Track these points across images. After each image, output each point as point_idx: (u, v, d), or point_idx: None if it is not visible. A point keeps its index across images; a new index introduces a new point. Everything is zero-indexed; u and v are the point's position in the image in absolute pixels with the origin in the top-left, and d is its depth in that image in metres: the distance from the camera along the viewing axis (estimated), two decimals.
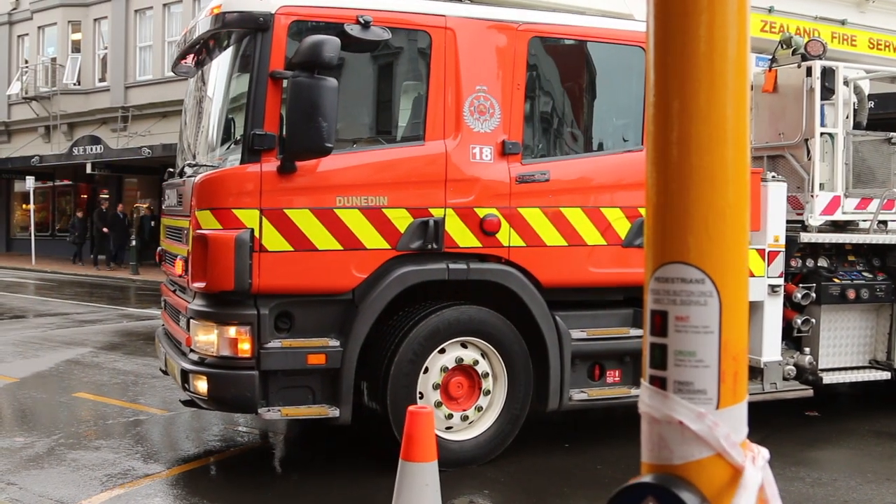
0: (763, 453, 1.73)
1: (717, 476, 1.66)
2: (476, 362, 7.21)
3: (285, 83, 6.64)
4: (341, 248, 6.81)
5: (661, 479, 1.63)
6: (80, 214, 35.78)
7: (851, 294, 8.75)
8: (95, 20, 37.60)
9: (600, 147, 7.95)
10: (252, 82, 6.80)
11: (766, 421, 8.81)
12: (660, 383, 1.69)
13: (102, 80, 37.31)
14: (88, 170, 33.28)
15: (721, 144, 1.70)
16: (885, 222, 9.24)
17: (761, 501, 1.69)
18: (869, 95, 10.56)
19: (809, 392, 8.69)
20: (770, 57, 9.59)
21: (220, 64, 7.51)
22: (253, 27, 6.84)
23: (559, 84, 7.92)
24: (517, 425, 7.39)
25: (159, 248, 8.66)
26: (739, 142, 1.73)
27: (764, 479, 1.72)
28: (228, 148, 7.23)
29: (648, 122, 1.76)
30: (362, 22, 6.80)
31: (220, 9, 7.05)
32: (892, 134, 9.29)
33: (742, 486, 1.64)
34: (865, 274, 8.99)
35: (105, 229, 31.92)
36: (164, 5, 34.62)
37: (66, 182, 39.79)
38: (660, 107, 1.73)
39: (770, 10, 9.60)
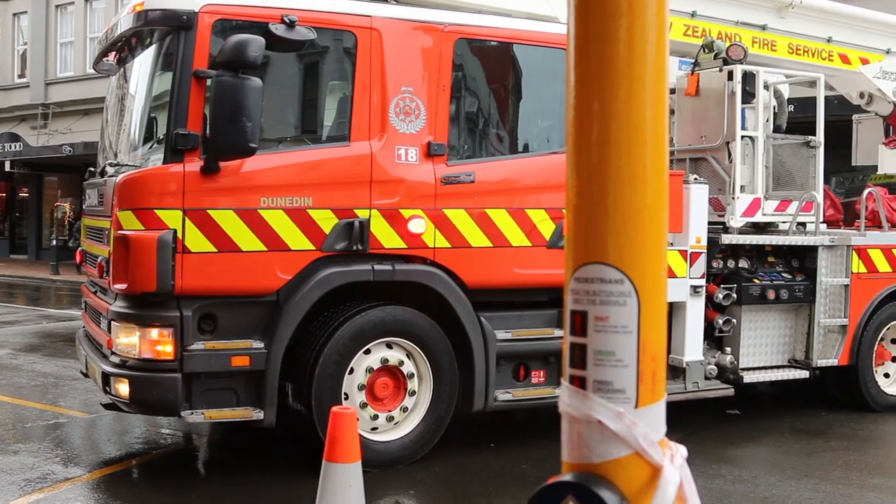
0: (681, 451, 1.75)
1: (635, 475, 1.67)
2: (401, 363, 7.21)
3: (209, 82, 6.57)
4: (265, 249, 6.75)
5: (581, 477, 1.64)
6: None
7: (771, 294, 8.91)
8: (14, 15, 36.86)
9: (525, 149, 8.00)
10: (175, 81, 6.71)
11: (689, 419, 8.94)
12: (579, 383, 1.69)
13: (22, 76, 36.59)
14: (7, 168, 32.59)
15: (640, 146, 1.71)
16: (803, 224, 9.43)
17: (679, 499, 1.71)
18: (789, 99, 10.77)
19: (731, 391, 8.84)
20: (693, 61, 9.72)
21: (143, 62, 7.40)
22: (176, 25, 6.75)
23: (485, 86, 7.95)
24: (443, 426, 7.40)
25: (79, 249, 8.51)
26: (658, 144, 1.74)
27: (682, 478, 1.73)
28: (151, 147, 7.12)
29: (568, 124, 1.77)
30: (287, 21, 6.75)
31: (143, 6, 6.95)
32: (810, 137, 9.48)
33: (660, 484, 1.65)
34: (785, 275, 9.16)
35: None
36: (86, 1, 34.04)
37: None
38: (580, 109, 1.74)
39: (693, 15, 9.69)
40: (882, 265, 9.59)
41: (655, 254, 1.72)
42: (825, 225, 9.96)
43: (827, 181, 13.82)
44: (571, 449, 1.72)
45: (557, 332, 7.63)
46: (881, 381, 9.75)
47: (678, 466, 1.71)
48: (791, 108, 10.91)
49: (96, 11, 33.83)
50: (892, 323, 9.78)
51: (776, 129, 9.76)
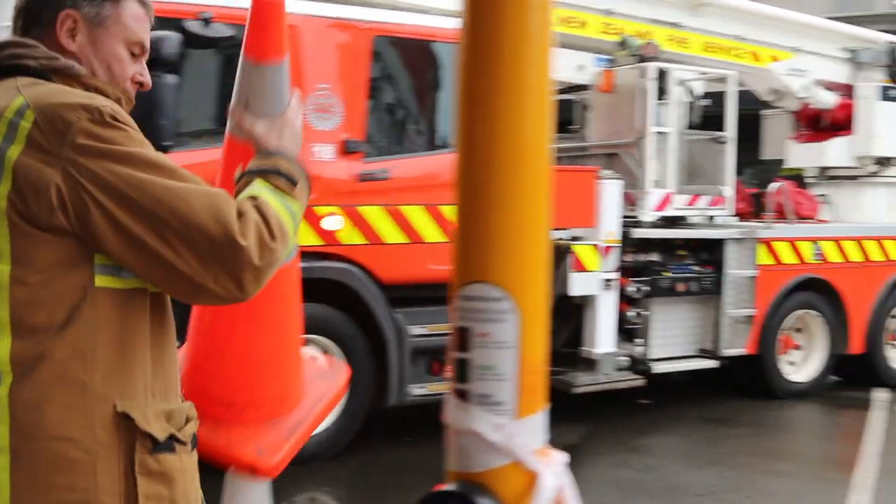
0: (560, 458, 1.86)
1: (515, 482, 1.77)
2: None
3: None
4: None
5: (462, 486, 1.74)
6: None
7: (681, 287, 9.15)
8: None
9: (442, 146, 8.08)
10: None
11: (601, 410, 9.12)
12: (463, 396, 1.79)
13: None
14: None
15: (523, 168, 1.81)
16: (713, 217, 9.68)
17: (558, 502, 1.82)
18: (707, 94, 11.00)
19: (642, 381, 9.05)
20: (609, 58, 9.89)
21: None
22: None
23: (402, 83, 8.02)
24: (358, 421, 7.48)
25: None
26: (540, 165, 1.84)
27: (562, 483, 1.84)
28: None
29: (456, 145, 1.86)
30: (203, 18, 6.74)
31: None
32: (719, 133, 9.72)
33: (537, 490, 1.75)
34: (694, 267, 9.40)
35: None
36: None
37: None
38: (465, 131, 1.83)
39: (609, 13, 9.86)
40: (788, 257, 9.89)
41: (536, 272, 1.82)
42: (736, 218, 10.24)
43: (741, 173, 14.19)
44: (455, 458, 1.82)
45: None
46: (786, 369, 10.05)
47: (557, 473, 1.82)
48: (708, 102, 11.16)
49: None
50: (797, 312, 10.08)
51: (690, 125, 9.98)
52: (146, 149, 1.99)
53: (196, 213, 1.92)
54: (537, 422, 1.81)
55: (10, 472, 1.86)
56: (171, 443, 2.02)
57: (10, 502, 1.87)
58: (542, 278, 1.83)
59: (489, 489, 1.75)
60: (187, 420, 2.12)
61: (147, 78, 2.23)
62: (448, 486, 1.75)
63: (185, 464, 2.07)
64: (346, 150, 7.29)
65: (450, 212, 7.64)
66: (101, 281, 1.94)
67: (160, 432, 2.00)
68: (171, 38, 6.40)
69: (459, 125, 1.85)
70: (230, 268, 1.94)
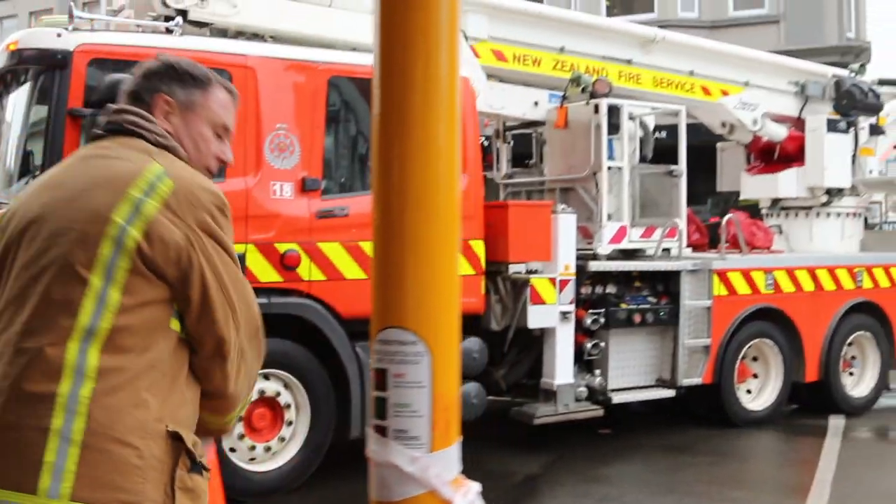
0: (474, 487, 2.01)
1: None
2: (278, 394, 7.38)
3: (84, 121, 6.68)
4: None
5: None
6: None
7: (637, 318, 9.33)
8: None
9: None
10: (50, 119, 6.81)
11: (562, 441, 9.28)
12: (382, 431, 1.94)
13: None
14: None
15: (434, 221, 1.97)
16: (668, 249, 9.88)
17: None
18: (663, 127, 11.24)
19: (601, 412, 9.20)
20: (562, 94, 10.11)
21: (17, 99, 7.45)
22: (51, 64, 6.85)
23: (358, 121, 8.19)
24: (321, 454, 7.59)
25: None
26: (451, 218, 2.00)
27: None
28: (26, 183, 7.18)
29: (374, 199, 2.02)
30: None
31: (18, 45, 7.03)
32: (672, 167, 9.94)
33: None
34: (650, 298, 9.58)
35: None
36: None
37: None
38: (379, 179, 1.99)
39: (561, 50, 10.09)
40: (742, 287, 10.10)
41: (448, 317, 1.98)
42: (691, 249, 10.45)
43: (703, 203, 14.46)
44: (377, 488, 1.97)
45: None
46: (743, 397, 10.25)
47: (470, 500, 1.97)
48: (663, 134, 11.42)
49: None
50: (753, 342, 10.29)
51: (643, 159, 10.20)
52: (230, 237, 2.50)
53: (250, 303, 2.48)
54: (451, 454, 1.96)
55: (77, 462, 2.18)
56: (200, 466, 2.37)
57: (71, 488, 2.17)
58: (453, 321, 1.99)
59: None
60: (203, 449, 2.48)
61: (229, 156, 2.72)
62: None
63: (205, 486, 2.42)
64: (305, 188, 7.45)
65: None
66: (173, 324, 2.35)
67: (197, 455, 2.36)
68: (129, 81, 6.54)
69: (375, 173, 2.01)
70: (251, 351, 2.51)
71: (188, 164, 2.56)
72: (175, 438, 2.30)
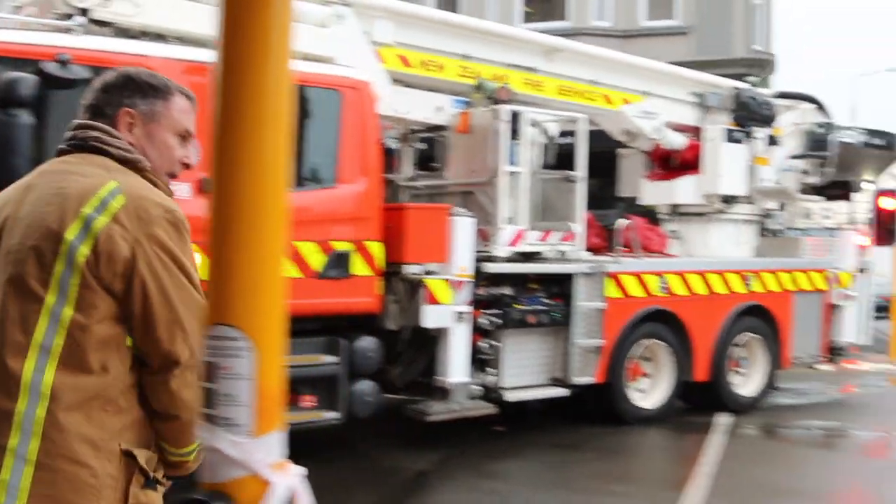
0: (296, 470, 2.21)
1: (252, 490, 2.11)
2: None
3: None
4: None
5: (206, 494, 2.08)
6: None
7: (531, 319, 9.61)
8: None
9: (298, 184, 8.39)
10: None
11: (457, 438, 9.50)
12: (210, 419, 2.14)
13: None
14: None
15: (262, 227, 2.16)
16: (564, 252, 10.18)
17: None
18: (570, 132, 11.53)
19: (494, 409, 9.46)
20: (466, 100, 10.35)
21: None
22: None
23: None
24: None
25: None
26: (278, 224, 2.20)
27: (295, 490, 2.20)
28: None
29: (210, 204, 2.20)
30: (60, 60, 6.95)
31: None
32: (569, 172, 10.23)
33: (269, 495, 2.11)
34: (545, 300, 9.87)
35: None
36: None
37: None
38: (216, 193, 2.18)
39: (465, 57, 10.34)
40: (635, 290, 10.46)
41: (273, 315, 2.17)
42: (589, 252, 10.76)
43: (611, 207, 14.82)
44: (206, 471, 2.15)
45: (326, 359, 8.07)
46: (634, 396, 10.60)
47: (290, 482, 2.17)
48: (567, 141, 11.70)
49: None
50: (645, 342, 10.65)
51: (546, 165, 10.47)
52: (186, 255, 2.61)
53: (192, 323, 2.51)
54: (273, 440, 2.16)
55: (31, 481, 2.27)
56: (154, 482, 2.48)
57: None
58: (278, 320, 2.19)
59: (229, 496, 2.09)
60: (157, 465, 2.57)
61: (194, 159, 2.83)
62: (194, 493, 2.09)
63: (160, 500, 2.53)
64: (202, 188, 7.56)
65: (306, 248, 7.99)
66: (129, 341, 2.43)
67: (150, 471, 2.45)
68: (27, 79, 6.61)
69: (214, 175, 2.19)
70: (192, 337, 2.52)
71: (153, 172, 2.64)
72: (129, 456, 2.38)
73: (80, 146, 2.61)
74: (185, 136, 2.78)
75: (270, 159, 2.19)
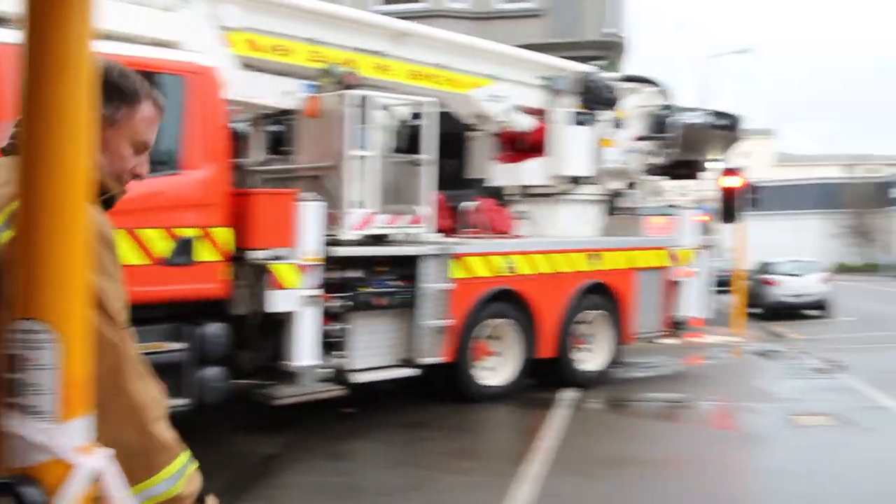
0: (102, 453, 2.33)
1: (57, 473, 2.22)
2: None
3: None
4: None
5: (11, 477, 2.19)
6: None
7: (380, 301, 9.81)
8: None
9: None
10: None
11: (305, 421, 9.65)
12: (16, 407, 2.24)
13: None
14: None
15: (63, 214, 2.25)
16: (412, 235, 10.38)
17: (97, 492, 2.29)
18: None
19: (343, 391, 9.63)
20: (316, 84, 10.41)
21: None
22: None
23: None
24: None
25: None
26: (78, 210, 2.29)
27: (106, 474, 2.32)
28: None
29: (19, 201, 2.29)
30: None
31: None
32: (416, 156, 10.42)
33: (72, 477, 2.23)
34: (393, 282, 10.06)
35: None
36: None
37: None
38: (23, 183, 2.27)
39: (312, 41, 10.40)
40: (481, 270, 10.75)
41: (78, 306, 2.29)
42: (440, 234, 10.99)
43: (470, 188, 15.09)
44: (10, 457, 2.26)
45: (171, 346, 8.09)
46: (482, 374, 10.91)
47: (95, 465, 2.30)
48: (420, 124, 11.85)
49: None
50: (493, 322, 10.97)
51: (396, 149, 10.62)
52: (103, 272, 2.52)
53: (117, 342, 2.55)
54: (77, 425, 2.28)
55: None
56: None
57: None
58: (83, 311, 2.30)
59: (34, 479, 2.21)
60: None
61: (144, 170, 2.58)
62: (1, 478, 2.20)
63: None
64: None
65: (153, 234, 7.97)
66: None
67: None
68: None
69: (19, 170, 2.27)
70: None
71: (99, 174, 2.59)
72: None
73: (11, 150, 2.49)
74: (142, 148, 2.57)
75: (68, 165, 2.26)
